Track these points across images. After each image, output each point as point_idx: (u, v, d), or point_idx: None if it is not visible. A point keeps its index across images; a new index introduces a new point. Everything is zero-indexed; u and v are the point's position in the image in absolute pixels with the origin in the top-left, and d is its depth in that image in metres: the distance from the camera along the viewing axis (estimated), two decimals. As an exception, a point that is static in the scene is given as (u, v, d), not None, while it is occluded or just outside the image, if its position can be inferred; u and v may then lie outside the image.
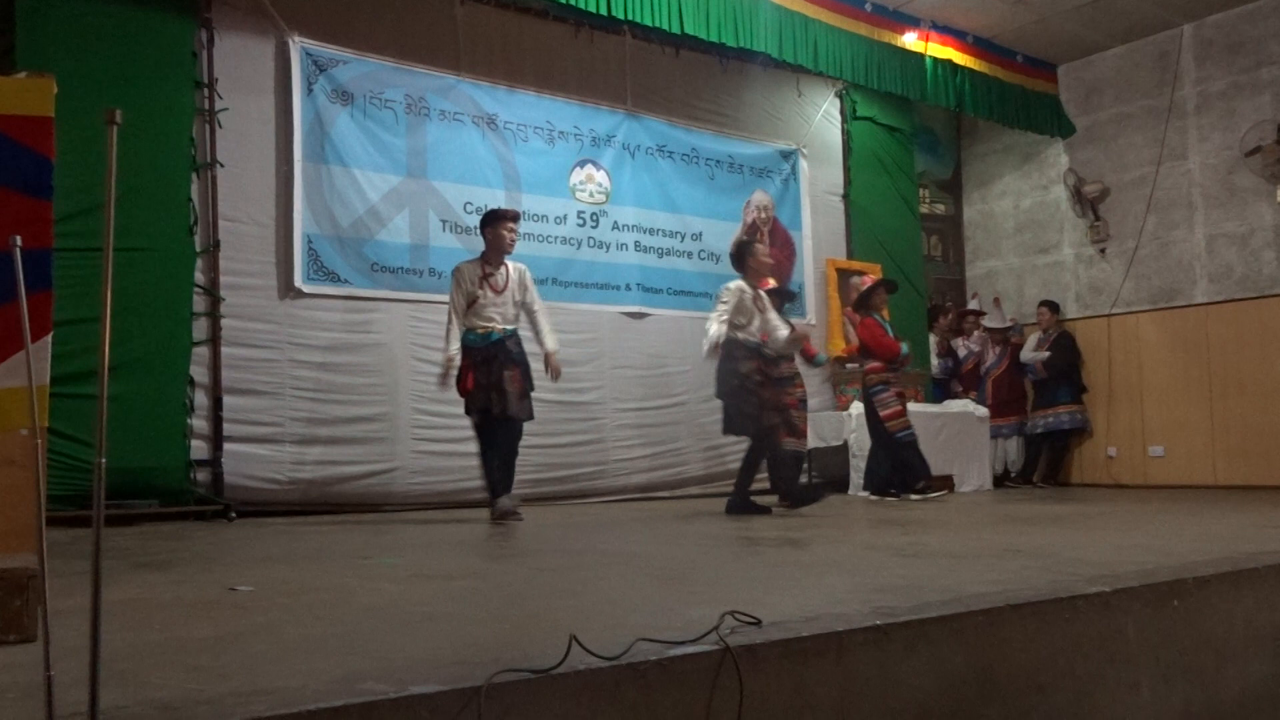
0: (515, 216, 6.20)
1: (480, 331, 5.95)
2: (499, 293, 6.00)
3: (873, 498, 7.60)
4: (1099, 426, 9.68)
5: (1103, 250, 9.82)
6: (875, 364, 7.58)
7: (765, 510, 6.17)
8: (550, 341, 6.13)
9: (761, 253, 6.62)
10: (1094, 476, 9.66)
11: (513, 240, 6.10)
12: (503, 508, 5.81)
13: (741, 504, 6.18)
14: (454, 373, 5.90)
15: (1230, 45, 8.99)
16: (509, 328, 6.01)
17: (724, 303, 6.22)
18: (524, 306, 6.11)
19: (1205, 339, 8.96)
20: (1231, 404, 8.72)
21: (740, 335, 6.23)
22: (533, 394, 6.08)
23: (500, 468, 5.94)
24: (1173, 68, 9.35)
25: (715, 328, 6.09)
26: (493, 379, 5.85)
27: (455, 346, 5.90)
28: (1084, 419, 9.61)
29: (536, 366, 6.11)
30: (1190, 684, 2.84)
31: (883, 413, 7.47)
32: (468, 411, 6.01)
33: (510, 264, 6.14)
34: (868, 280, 8.11)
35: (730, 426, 6.30)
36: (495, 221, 6.05)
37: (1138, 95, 9.59)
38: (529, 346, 6.15)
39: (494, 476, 5.92)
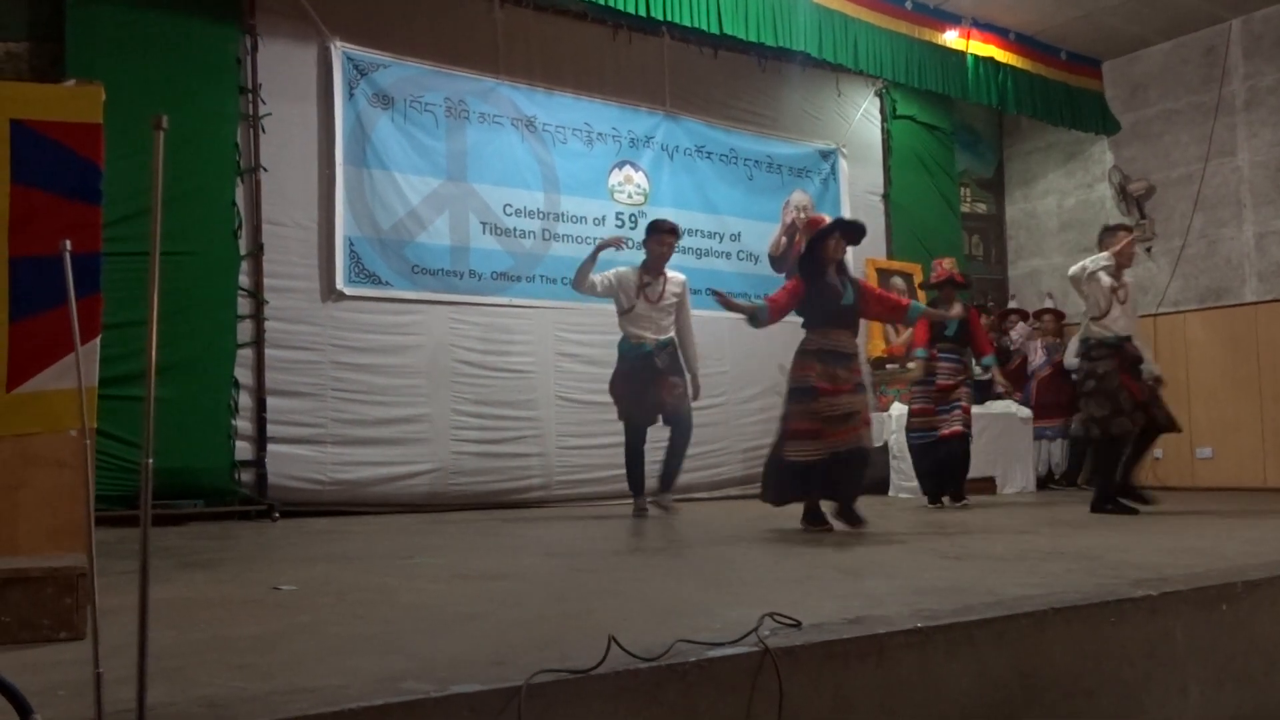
0: (671, 230, 6.26)
1: (633, 342, 6.14)
2: (654, 303, 6.16)
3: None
4: (1145, 428, 9.52)
5: (1149, 249, 9.67)
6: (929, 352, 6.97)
7: (1133, 510, 5.93)
8: (695, 363, 6.36)
9: (1125, 238, 6.26)
10: (1140, 478, 9.49)
11: (663, 254, 6.23)
12: (638, 505, 6.18)
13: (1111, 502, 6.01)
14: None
15: (1280, 39, 8.82)
16: (661, 339, 6.15)
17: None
18: (677, 319, 6.28)
19: (1255, 338, 8.79)
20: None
21: (1095, 328, 6.07)
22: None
23: (668, 458, 6.22)
24: (1221, 63, 9.19)
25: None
26: (647, 393, 6.07)
27: (577, 281, 6.22)
28: (1129, 420, 9.45)
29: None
30: (1240, 689, 2.78)
31: (912, 407, 7.06)
32: (621, 417, 6.29)
33: (671, 274, 6.30)
34: (940, 269, 7.30)
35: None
36: (651, 234, 6.23)
37: (1184, 91, 9.43)
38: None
39: (634, 478, 6.22)
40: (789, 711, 1.97)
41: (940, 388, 6.83)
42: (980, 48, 8.93)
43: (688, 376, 6.28)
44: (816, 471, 4.88)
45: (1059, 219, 10.41)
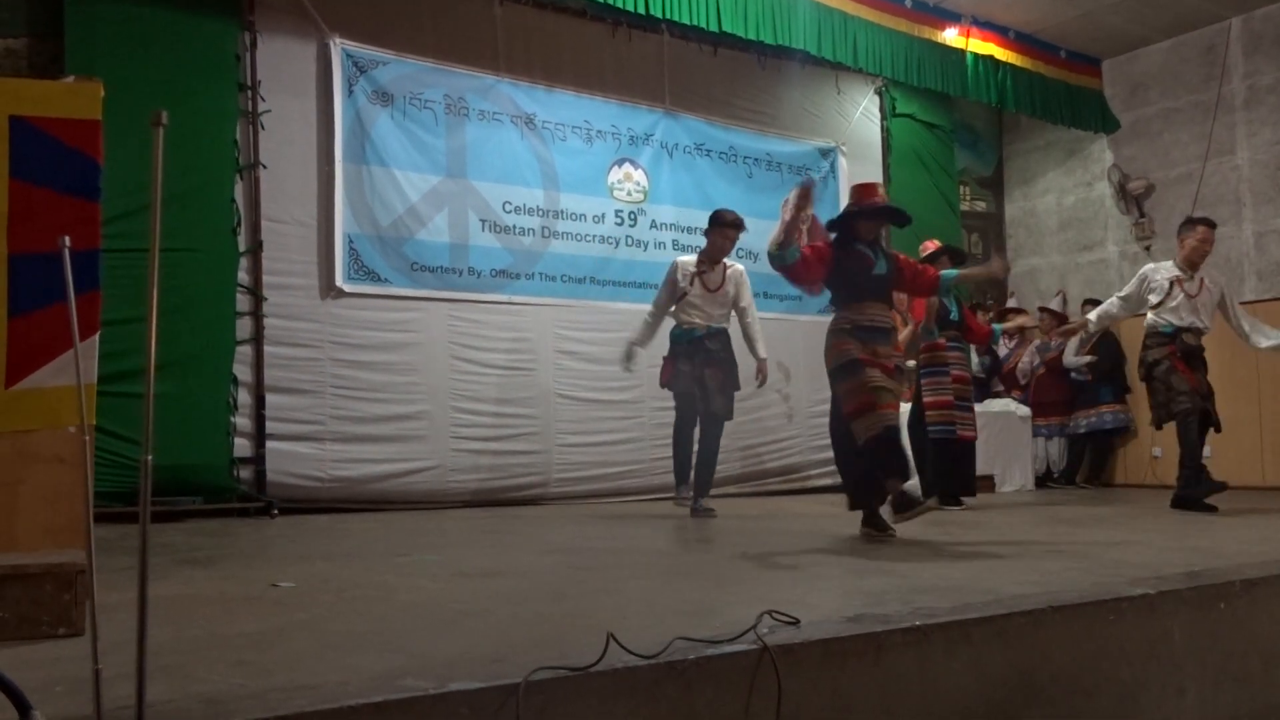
0: (735, 224, 6.19)
1: (684, 328, 6.10)
2: (711, 291, 6.11)
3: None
4: (1143, 426, 9.52)
5: (1148, 247, 9.67)
6: (937, 340, 6.63)
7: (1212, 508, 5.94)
8: (760, 349, 6.28)
9: (1199, 235, 6.27)
10: (1138, 477, 9.51)
11: (724, 247, 6.21)
12: (681, 495, 6.06)
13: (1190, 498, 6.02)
14: (635, 362, 6.25)
15: (1279, 38, 8.81)
16: (713, 326, 6.08)
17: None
18: (737, 309, 6.22)
19: (1254, 337, 8.79)
20: (1278, 405, 8.55)
21: (1150, 318, 6.09)
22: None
23: (698, 465, 6.05)
24: (1220, 61, 9.19)
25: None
26: (695, 374, 5.97)
27: (641, 341, 6.19)
28: (1127, 419, 9.46)
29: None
30: (1238, 689, 2.79)
31: (927, 398, 6.56)
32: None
33: (730, 265, 6.28)
34: (929, 247, 7.06)
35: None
36: (714, 226, 6.19)
37: (1184, 90, 9.43)
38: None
39: (678, 463, 6.13)
40: (787, 709, 1.97)
41: (956, 379, 6.52)
42: (980, 46, 8.93)
43: (738, 371, 6.16)
44: (878, 446, 4.43)
45: (1058, 217, 10.41)
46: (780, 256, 4.52)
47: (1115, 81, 9.91)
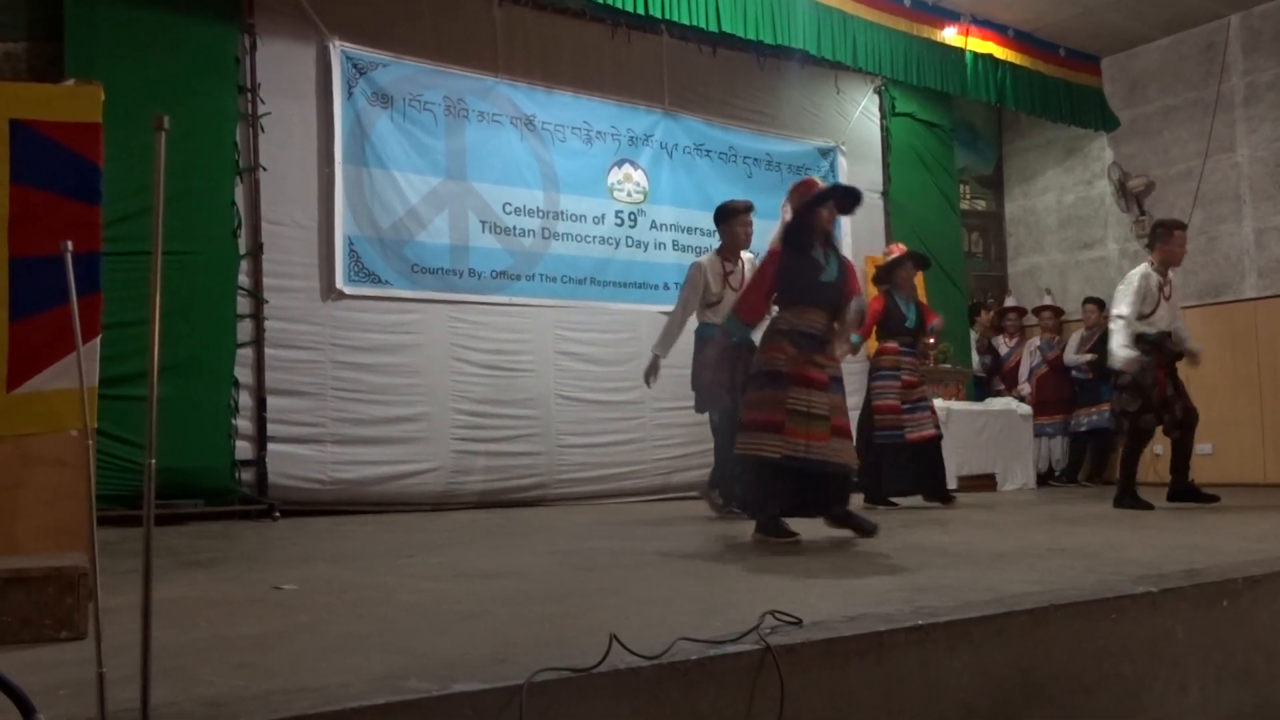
0: (748, 208, 6.04)
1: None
2: (739, 291, 5.78)
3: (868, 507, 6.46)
4: (1145, 424, 9.52)
5: (1148, 245, 9.66)
6: (889, 344, 6.75)
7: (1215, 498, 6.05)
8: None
9: (1179, 239, 6.26)
10: (1140, 475, 9.46)
11: (748, 235, 6.06)
12: (718, 502, 5.84)
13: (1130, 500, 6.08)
14: (658, 375, 5.95)
15: (1278, 35, 8.81)
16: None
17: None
18: None
19: (1255, 334, 8.79)
20: (1282, 401, 8.56)
21: (1139, 328, 6.07)
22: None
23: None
24: (1220, 59, 9.18)
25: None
26: (736, 380, 5.60)
27: (665, 349, 5.93)
28: (1129, 417, 9.45)
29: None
30: (1240, 686, 2.79)
31: (876, 402, 6.64)
32: (700, 409, 5.99)
33: (745, 257, 6.13)
34: (894, 251, 7.09)
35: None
36: (729, 217, 6.01)
37: (1183, 87, 9.43)
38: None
39: (719, 470, 5.90)
40: (790, 709, 1.97)
41: (906, 384, 6.63)
42: (979, 44, 8.93)
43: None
44: (768, 472, 4.24)
45: (1058, 216, 10.41)
46: (734, 334, 4.78)
47: (1115, 79, 9.91)
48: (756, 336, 5.65)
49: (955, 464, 8.15)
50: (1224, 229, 9.16)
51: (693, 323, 6.18)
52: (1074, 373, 9.44)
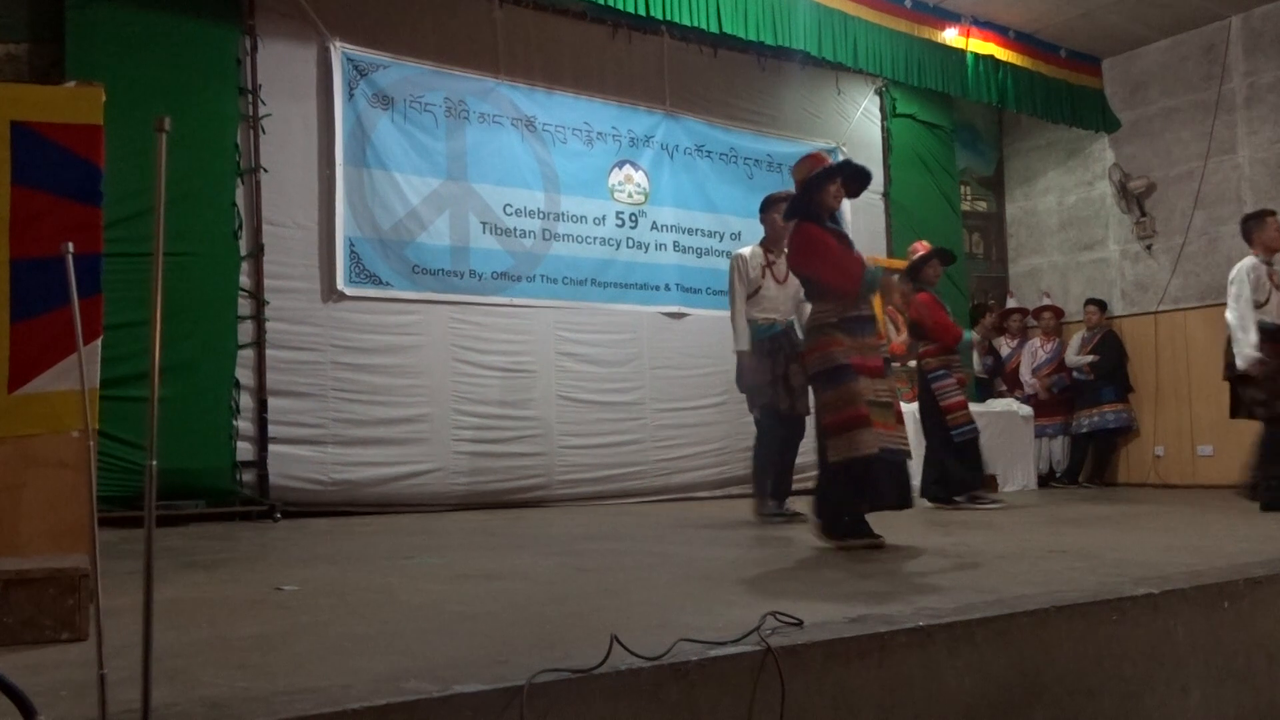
0: (786, 198, 5.66)
1: (762, 323, 5.65)
2: (781, 283, 5.69)
3: (931, 505, 6.55)
4: (1146, 425, 9.53)
5: (1149, 246, 9.67)
6: (933, 346, 6.69)
7: None
8: None
9: (1274, 225, 6.09)
10: (1141, 476, 9.51)
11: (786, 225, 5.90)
12: (768, 510, 5.58)
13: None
14: (750, 373, 5.61)
15: (1279, 37, 8.82)
16: (788, 318, 5.71)
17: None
18: (797, 300, 5.64)
19: (1256, 336, 8.77)
20: (1283, 402, 8.54)
21: (1258, 316, 5.91)
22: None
23: (779, 470, 5.64)
24: (1221, 60, 9.18)
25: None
26: (778, 373, 5.50)
27: (745, 343, 5.60)
28: (1129, 418, 9.46)
29: None
30: (1242, 688, 2.78)
31: (944, 402, 6.54)
32: (753, 409, 5.78)
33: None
34: (919, 249, 7.02)
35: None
36: (771, 207, 5.76)
37: (1184, 89, 9.43)
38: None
39: (764, 477, 5.67)
40: (791, 710, 1.97)
41: (960, 381, 6.65)
42: (980, 45, 8.92)
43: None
44: (872, 470, 4.01)
45: (1059, 217, 10.41)
46: (875, 285, 4.25)
47: (1116, 80, 9.91)
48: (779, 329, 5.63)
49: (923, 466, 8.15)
50: (1225, 230, 9.15)
51: (727, 315, 5.95)
52: (1075, 374, 9.44)
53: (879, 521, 4.29)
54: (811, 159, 4.49)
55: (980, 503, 6.49)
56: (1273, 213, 6.34)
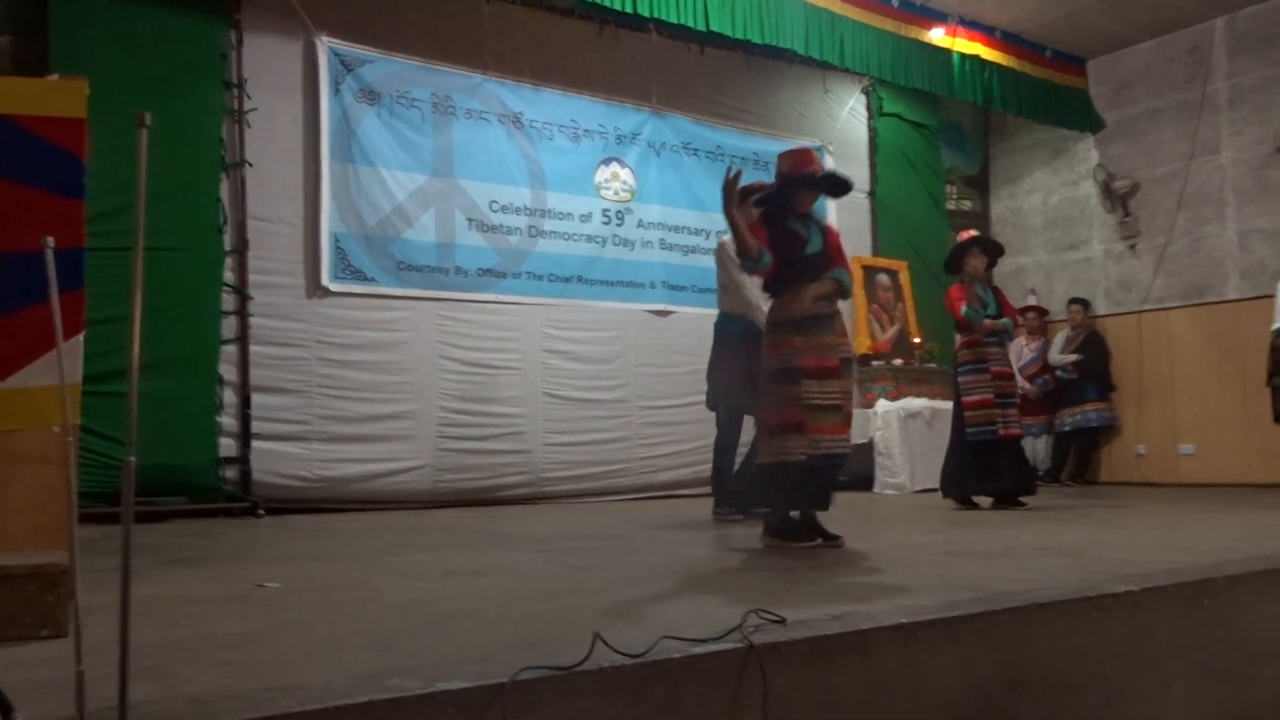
0: (761, 188, 5.36)
1: (738, 318, 5.59)
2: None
3: (956, 507, 6.32)
4: (1128, 424, 9.59)
5: (1133, 246, 9.72)
6: (964, 338, 6.42)
7: None
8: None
9: None
10: (1123, 474, 9.57)
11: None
12: (724, 510, 5.56)
13: None
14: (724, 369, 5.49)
15: (1264, 38, 8.86)
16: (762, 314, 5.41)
17: None
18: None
19: (1238, 335, 8.84)
20: (1265, 401, 8.59)
21: None
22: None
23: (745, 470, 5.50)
24: (1205, 61, 9.23)
25: None
26: (748, 371, 5.24)
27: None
28: (1112, 416, 9.52)
29: None
30: (1222, 685, 2.80)
31: (965, 399, 6.27)
32: (711, 405, 5.77)
33: None
34: (963, 236, 6.75)
35: None
36: (744, 199, 5.40)
37: (1169, 89, 9.48)
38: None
39: (722, 477, 5.62)
40: (774, 707, 1.97)
41: (996, 375, 6.21)
42: (966, 45, 8.95)
43: None
44: (798, 475, 4.01)
45: (1044, 216, 10.45)
46: (755, 264, 4.11)
47: (1100, 81, 9.96)
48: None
49: (940, 463, 8.17)
50: (1208, 230, 9.22)
51: (713, 313, 5.94)
52: (1059, 372, 9.49)
53: (852, 519, 4.30)
54: (801, 155, 4.38)
55: (1008, 505, 6.21)
56: None
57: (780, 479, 4.04)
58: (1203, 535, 4.42)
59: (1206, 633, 2.81)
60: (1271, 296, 8.06)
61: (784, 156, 4.39)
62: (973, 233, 6.92)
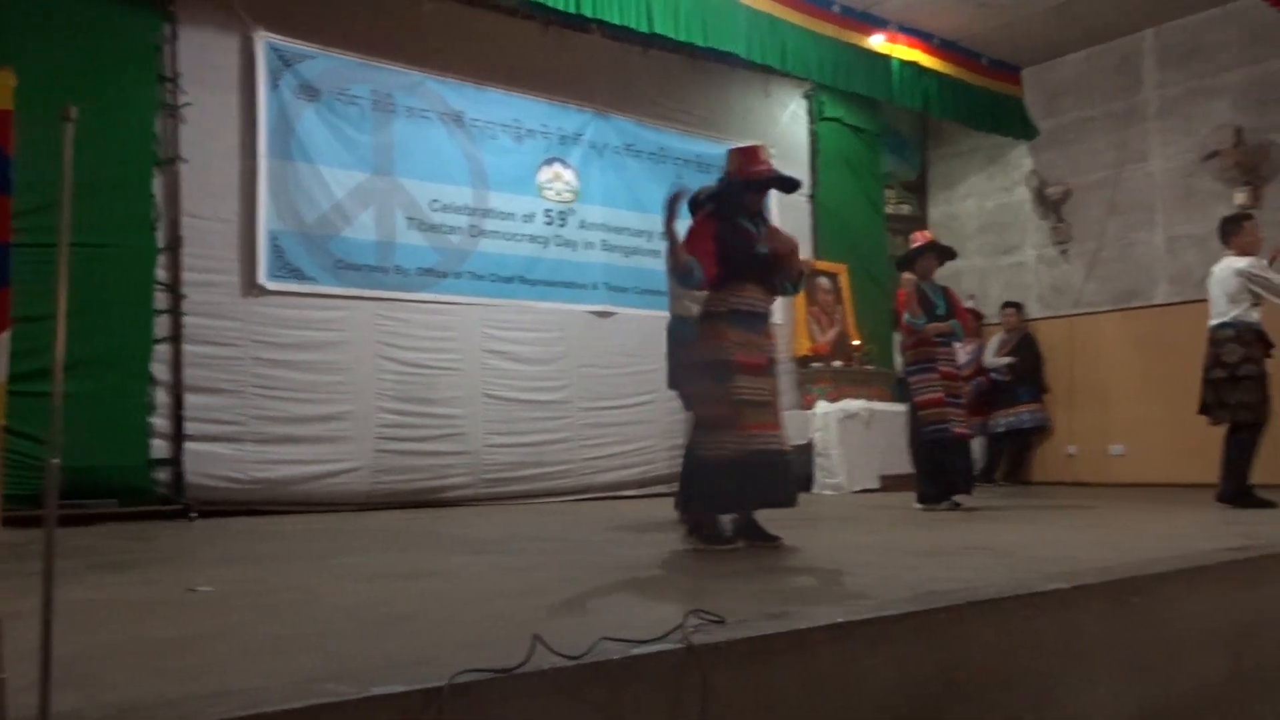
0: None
1: (684, 317, 5.16)
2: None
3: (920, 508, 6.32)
4: (1060, 425, 9.79)
5: (1065, 251, 9.93)
6: (909, 340, 6.45)
7: (1269, 504, 5.80)
8: None
9: (1250, 229, 6.11)
10: (1055, 474, 9.77)
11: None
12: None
13: (1242, 495, 5.91)
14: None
15: (1190, 51, 9.11)
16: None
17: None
18: None
19: (1166, 339, 9.06)
20: (1192, 403, 8.82)
21: (1253, 316, 5.98)
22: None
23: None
24: (1135, 72, 9.47)
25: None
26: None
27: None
28: (1045, 418, 9.72)
29: None
30: (1146, 681, 2.88)
31: (917, 399, 6.30)
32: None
33: None
34: (918, 239, 6.80)
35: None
36: (697, 209, 5.06)
37: (1100, 99, 9.71)
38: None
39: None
40: (713, 707, 1.98)
41: (944, 375, 6.28)
42: (905, 52, 9.08)
43: None
44: (731, 472, 3.96)
45: (979, 221, 10.64)
46: (691, 280, 4.08)
47: (1035, 89, 10.16)
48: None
49: (878, 464, 8.29)
50: (1138, 237, 9.45)
51: (654, 315, 5.75)
52: (993, 374, 9.66)
53: (791, 519, 4.34)
54: (749, 153, 4.31)
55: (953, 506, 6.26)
56: (1249, 216, 6.43)
57: (703, 473, 4.01)
58: (1131, 534, 4.53)
59: (1133, 629, 2.88)
60: (1201, 301, 8.30)
61: (733, 154, 4.36)
62: (929, 236, 6.94)
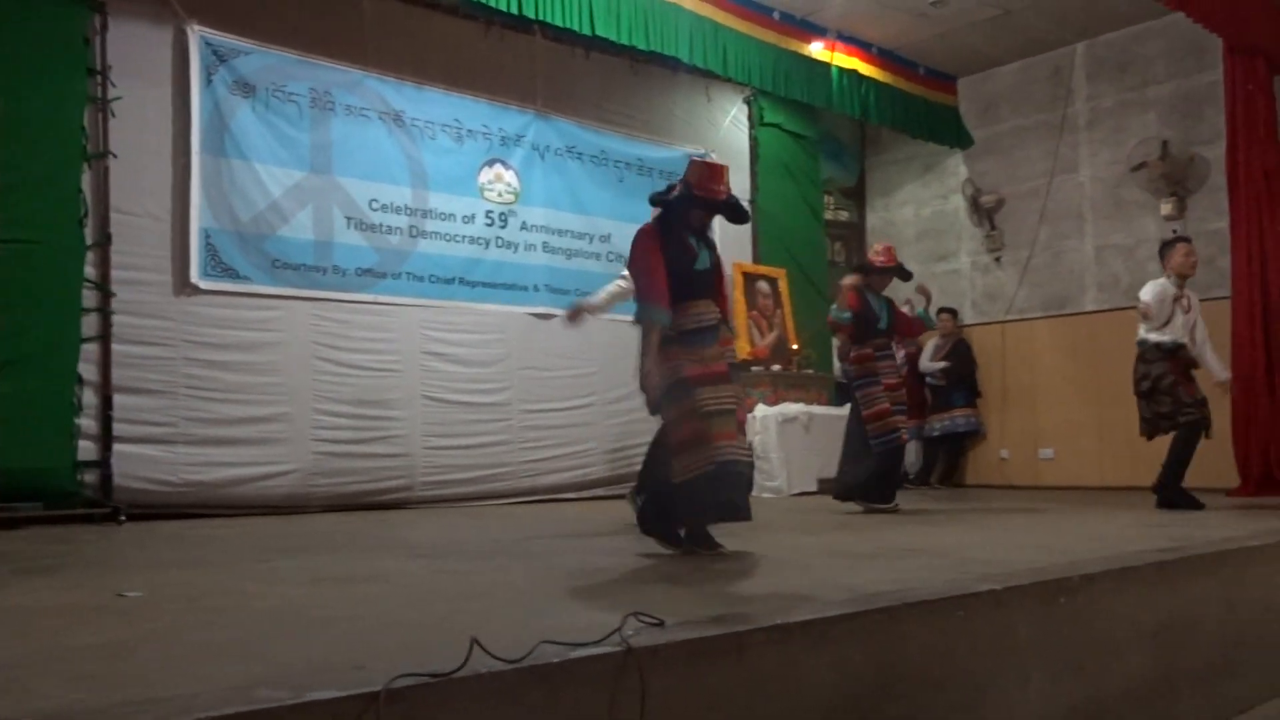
0: None
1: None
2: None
3: (837, 502, 6.57)
4: (993, 429, 9.98)
5: (998, 259, 10.13)
6: (861, 352, 6.47)
7: (1199, 504, 6.12)
8: None
9: (1182, 251, 6.40)
10: (988, 478, 9.95)
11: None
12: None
13: (1176, 497, 6.17)
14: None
15: (1120, 64, 9.35)
16: None
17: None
18: None
19: (1094, 345, 9.29)
20: (1119, 409, 9.01)
21: (1153, 336, 6.29)
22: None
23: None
24: (1066, 84, 9.69)
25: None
26: None
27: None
28: (978, 422, 9.90)
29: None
30: (1076, 679, 2.94)
31: (865, 411, 6.40)
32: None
33: None
34: (883, 254, 6.76)
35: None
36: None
37: (1033, 109, 9.92)
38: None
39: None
40: (652, 710, 1.98)
41: (887, 386, 6.41)
42: (844, 60, 9.19)
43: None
44: (703, 488, 3.91)
45: (916, 228, 10.81)
46: (665, 321, 3.99)
47: (970, 99, 10.35)
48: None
49: (817, 467, 8.37)
50: (1068, 245, 9.66)
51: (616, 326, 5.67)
52: (928, 379, 9.81)
53: (743, 525, 4.35)
54: (710, 171, 4.25)
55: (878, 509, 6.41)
56: (1184, 239, 6.74)
57: (699, 491, 3.93)
58: (1061, 535, 4.63)
59: (1063, 629, 2.94)
60: (1129, 308, 8.51)
61: (695, 165, 4.30)
62: (892, 252, 6.83)
